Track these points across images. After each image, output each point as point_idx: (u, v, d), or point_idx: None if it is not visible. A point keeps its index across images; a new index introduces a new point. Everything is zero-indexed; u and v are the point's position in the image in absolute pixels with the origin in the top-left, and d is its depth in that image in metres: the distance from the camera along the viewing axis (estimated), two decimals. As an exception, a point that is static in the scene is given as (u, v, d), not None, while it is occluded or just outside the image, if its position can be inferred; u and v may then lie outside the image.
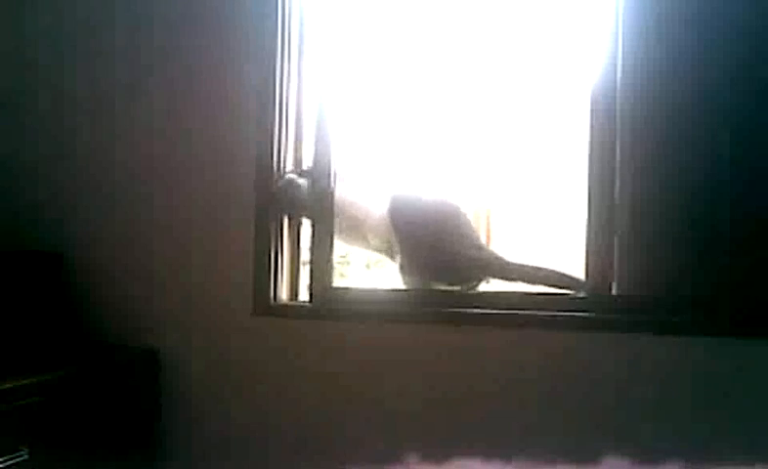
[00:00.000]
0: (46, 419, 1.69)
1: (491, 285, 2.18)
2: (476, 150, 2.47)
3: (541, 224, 2.45)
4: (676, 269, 1.85)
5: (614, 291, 1.89)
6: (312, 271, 2.09)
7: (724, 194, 1.83)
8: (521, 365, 1.88)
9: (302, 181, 2.08)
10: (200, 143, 2.11)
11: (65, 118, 2.23)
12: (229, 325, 2.08)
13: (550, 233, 2.40)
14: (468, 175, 2.53)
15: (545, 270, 2.01)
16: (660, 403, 1.77)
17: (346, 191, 2.11)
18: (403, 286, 2.07)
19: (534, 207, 2.47)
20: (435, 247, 2.04)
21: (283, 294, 2.10)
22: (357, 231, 2.11)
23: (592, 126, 1.92)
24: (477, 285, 2.06)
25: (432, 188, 2.24)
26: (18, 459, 1.57)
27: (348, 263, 2.44)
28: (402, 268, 2.06)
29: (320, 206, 2.07)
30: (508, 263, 2.06)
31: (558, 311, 1.89)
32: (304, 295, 2.13)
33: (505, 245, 2.28)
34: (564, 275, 2.00)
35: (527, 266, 2.05)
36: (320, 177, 2.07)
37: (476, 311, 1.94)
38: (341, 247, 2.22)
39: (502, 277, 2.07)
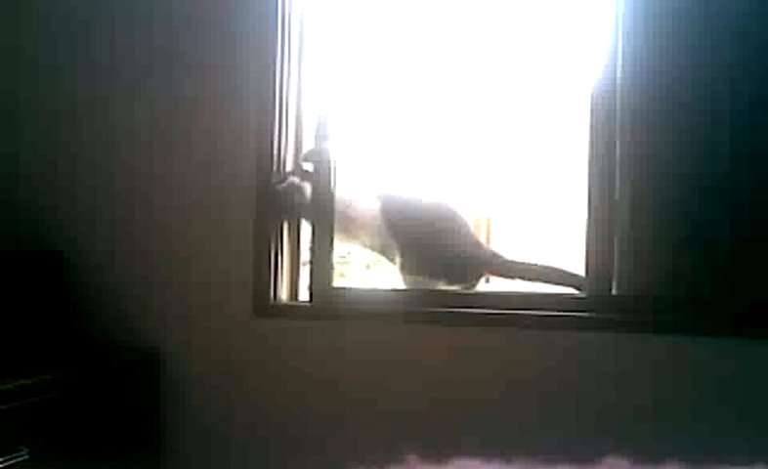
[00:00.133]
0: (46, 419, 1.69)
1: (492, 285, 2.18)
2: (476, 151, 2.47)
3: (541, 224, 2.45)
4: (676, 269, 1.85)
5: (614, 291, 1.89)
6: (312, 271, 2.09)
7: (724, 194, 1.83)
8: (521, 365, 1.88)
9: (305, 184, 2.06)
10: (200, 143, 2.11)
11: (65, 118, 2.23)
12: (229, 325, 2.08)
13: (550, 233, 2.40)
14: (468, 176, 2.53)
15: (544, 267, 2.02)
16: (660, 402, 1.78)
17: (340, 191, 2.11)
18: (403, 286, 2.07)
19: (534, 208, 2.47)
20: (433, 246, 2.05)
21: (283, 294, 2.10)
22: (348, 230, 2.11)
23: (592, 126, 1.92)
24: (477, 283, 2.06)
25: (424, 188, 2.25)
26: (18, 459, 1.57)
27: (348, 263, 2.44)
28: (402, 268, 2.06)
29: (320, 206, 2.07)
30: (507, 260, 2.06)
31: (558, 311, 1.89)
32: (304, 295, 2.13)
33: (505, 246, 2.28)
34: (564, 271, 2.00)
35: (526, 263, 2.06)
36: (320, 177, 2.07)
37: (476, 311, 1.94)
38: (341, 247, 2.23)
39: (502, 275, 2.08)
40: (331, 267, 2.08)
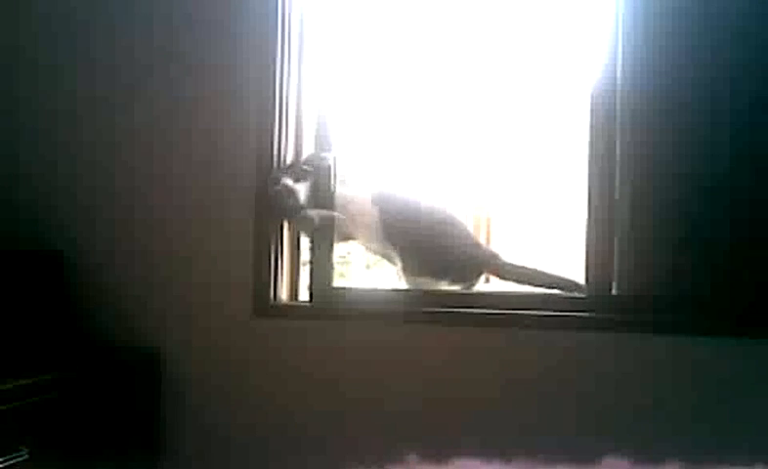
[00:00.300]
0: (46, 419, 1.69)
1: (491, 285, 2.19)
2: (475, 152, 2.47)
3: (541, 224, 2.45)
4: (676, 269, 1.85)
5: (614, 291, 1.90)
6: (312, 271, 2.09)
7: (724, 194, 1.83)
8: (521, 365, 1.88)
9: (299, 186, 2.03)
10: (200, 143, 2.11)
11: (65, 118, 2.22)
12: (229, 325, 2.08)
13: (550, 233, 2.40)
14: (468, 176, 2.53)
15: (542, 272, 2.02)
16: (659, 402, 1.78)
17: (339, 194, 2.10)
18: (403, 286, 2.07)
19: (534, 208, 2.47)
20: (433, 247, 2.05)
21: (283, 294, 2.10)
22: (347, 234, 2.11)
23: (592, 126, 1.92)
24: (476, 282, 2.07)
25: (422, 190, 2.25)
26: (18, 459, 1.57)
27: (348, 263, 2.44)
28: (404, 270, 2.06)
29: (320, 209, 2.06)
30: (506, 262, 2.07)
31: (558, 311, 1.89)
32: (304, 295, 2.13)
33: (505, 247, 2.28)
34: (561, 278, 2.00)
35: (524, 267, 2.06)
36: (320, 181, 2.07)
37: (476, 311, 1.94)
38: (341, 247, 2.22)
39: (500, 276, 2.09)
40: (331, 267, 2.08)
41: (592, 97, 1.92)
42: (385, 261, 2.17)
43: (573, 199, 2.07)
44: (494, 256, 2.08)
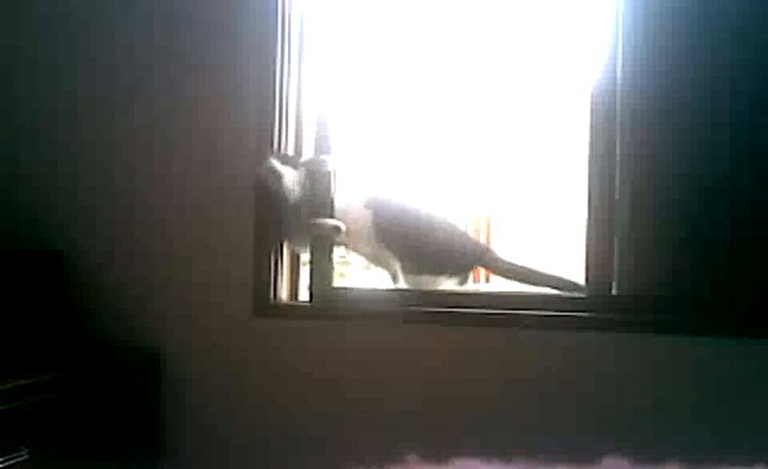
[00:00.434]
0: (46, 419, 1.69)
1: (492, 285, 2.19)
2: (476, 151, 2.47)
3: (541, 224, 2.45)
4: (676, 269, 1.85)
5: (614, 291, 1.89)
6: (312, 271, 2.09)
7: (724, 194, 1.83)
8: (521, 365, 1.88)
9: (287, 170, 2.00)
10: (200, 143, 2.11)
11: (65, 118, 2.22)
12: (229, 325, 2.08)
13: (550, 233, 2.40)
14: (468, 176, 2.53)
15: (536, 271, 2.03)
16: (659, 402, 1.78)
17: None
18: (402, 287, 2.07)
19: (534, 208, 2.47)
20: (428, 244, 2.06)
21: (283, 294, 2.10)
22: (342, 239, 2.10)
23: (592, 126, 1.92)
24: (470, 275, 2.09)
25: (414, 192, 2.25)
26: (18, 459, 1.57)
27: (348, 263, 2.44)
28: (403, 270, 2.06)
29: (319, 213, 2.06)
30: (499, 257, 2.10)
31: (558, 311, 1.89)
32: (304, 295, 2.13)
33: (505, 247, 2.28)
34: (556, 276, 2.01)
35: (518, 264, 2.08)
36: (319, 185, 2.06)
37: (476, 311, 1.94)
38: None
39: (493, 270, 2.13)
40: (331, 267, 2.08)
41: (592, 96, 1.92)
42: (378, 266, 2.16)
43: (573, 199, 2.07)
44: (488, 250, 2.12)
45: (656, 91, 1.88)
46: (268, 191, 2.00)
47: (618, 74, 1.90)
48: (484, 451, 1.13)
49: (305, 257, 2.16)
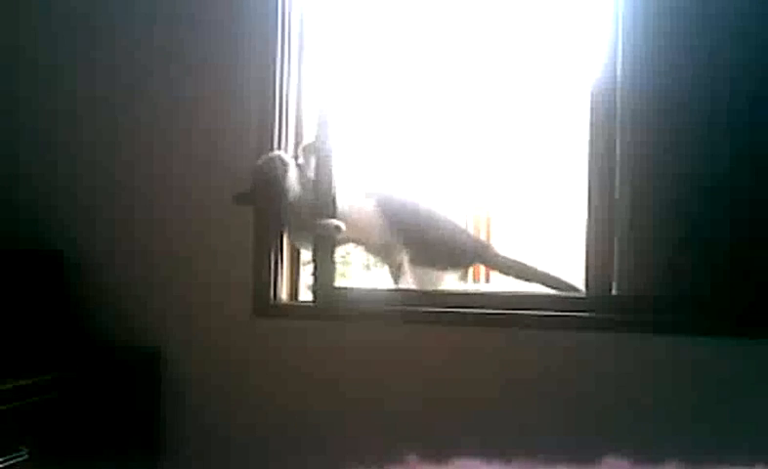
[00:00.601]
0: (46, 419, 1.69)
1: (492, 285, 2.19)
2: (476, 150, 2.48)
3: (541, 224, 2.45)
4: (676, 269, 1.85)
5: (614, 291, 1.89)
6: (315, 271, 2.08)
7: (724, 194, 1.83)
8: (521, 365, 1.88)
9: (290, 164, 2.00)
10: (200, 143, 2.11)
11: (65, 118, 2.22)
12: (229, 325, 2.08)
13: (550, 232, 2.40)
14: (468, 175, 2.53)
15: (533, 268, 2.05)
16: (659, 402, 1.78)
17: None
18: (408, 282, 2.07)
19: (534, 207, 2.47)
20: (434, 237, 2.08)
21: (283, 294, 2.10)
22: (347, 233, 2.10)
23: (592, 125, 1.92)
24: (469, 268, 2.15)
25: (407, 186, 2.27)
26: (18, 459, 1.57)
27: (348, 263, 2.44)
28: (411, 262, 2.06)
29: (320, 205, 2.06)
30: (497, 253, 2.13)
31: (558, 311, 1.89)
32: (304, 295, 2.13)
33: (505, 246, 2.28)
34: (550, 275, 2.02)
35: (516, 260, 2.10)
36: (320, 175, 2.06)
37: (476, 311, 1.93)
38: (340, 248, 2.22)
39: (491, 265, 2.18)
40: (333, 267, 2.08)
41: (592, 95, 1.92)
42: (381, 261, 2.16)
43: (573, 199, 2.08)
44: (488, 247, 2.18)
45: (656, 90, 1.88)
46: (269, 182, 1.98)
47: (618, 74, 1.90)
48: (484, 451, 1.12)
49: (305, 257, 2.16)
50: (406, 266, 2.07)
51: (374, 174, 2.29)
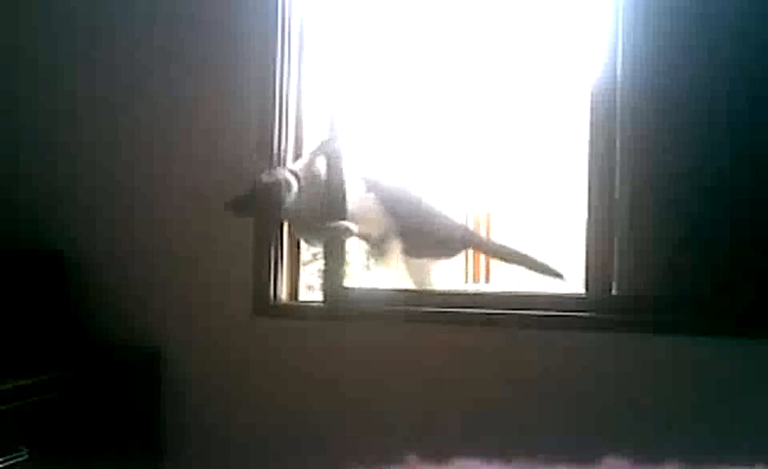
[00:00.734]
0: (46, 419, 1.69)
1: (492, 286, 2.19)
2: (476, 149, 2.47)
3: (541, 224, 2.45)
4: (676, 269, 1.85)
5: (614, 291, 1.89)
6: (325, 270, 2.08)
7: (724, 194, 1.83)
8: (521, 365, 1.88)
9: (291, 180, 1.98)
10: (200, 143, 2.11)
11: (65, 118, 2.23)
12: (229, 325, 2.08)
13: (550, 232, 2.40)
14: (468, 174, 2.53)
15: (522, 253, 2.06)
16: (659, 402, 1.77)
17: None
18: (402, 274, 2.08)
19: (534, 207, 2.46)
20: (427, 225, 2.09)
21: (283, 294, 2.10)
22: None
23: (592, 125, 1.92)
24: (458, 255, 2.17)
25: (400, 176, 2.25)
26: (18, 459, 1.57)
27: (348, 263, 2.44)
28: (405, 252, 2.06)
29: (331, 201, 2.05)
30: (487, 238, 2.20)
31: (558, 311, 1.89)
32: (304, 295, 2.13)
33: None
34: (537, 261, 2.04)
35: (505, 245, 2.15)
36: (331, 172, 2.05)
37: (476, 311, 1.93)
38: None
39: (482, 250, 2.24)
40: (343, 266, 2.07)
41: (592, 95, 1.92)
42: (377, 252, 2.16)
43: (572, 199, 2.07)
44: (472, 231, 2.23)
45: (656, 90, 1.88)
46: (270, 201, 1.96)
47: (618, 73, 1.89)
48: (484, 451, 1.12)
49: (305, 257, 2.16)
50: (400, 257, 2.07)
51: (374, 167, 2.27)
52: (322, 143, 2.08)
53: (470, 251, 2.35)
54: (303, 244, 2.16)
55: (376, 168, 2.21)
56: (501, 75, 2.34)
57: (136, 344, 2.10)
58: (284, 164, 2.08)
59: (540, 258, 2.05)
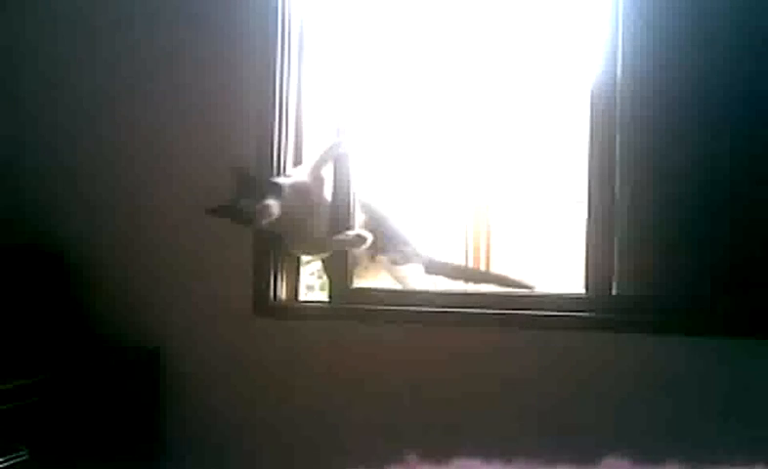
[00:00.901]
0: (46, 419, 1.69)
1: (491, 286, 2.18)
2: (475, 150, 2.48)
3: (541, 224, 2.45)
4: (676, 269, 1.85)
5: (614, 291, 1.89)
6: (329, 271, 2.08)
7: (724, 194, 1.83)
8: (521, 365, 1.88)
9: (274, 202, 1.89)
10: (201, 142, 2.11)
11: (66, 118, 2.23)
12: (229, 325, 2.08)
13: (550, 232, 2.40)
14: (468, 174, 2.53)
15: (467, 268, 2.06)
16: (659, 402, 1.77)
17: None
18: (402, 287, 2.07)
19: (534, 206, 2.47)
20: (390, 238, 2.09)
21: (283, 294, 2.10)
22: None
23: (592, 124, 1.92)
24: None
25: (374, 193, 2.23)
26: (18, 459, 1.57)
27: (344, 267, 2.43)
28: (403, 254, 2.06)
29: (337, 205, 2.05)
30: (430, 257, 2.15)
31: (558, 311, 1.89)
32: (303, 295, 2.13)
33: (505, 245, 2.28)
34: (505, 277, 2.07)
35: (450, 263, 2.17)
36: (339, 174, 2.05)
37: (476, 311, 1.93)
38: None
39: (426, 268, 2.15)
40: (345, 266, 2.06)
41: (592, 94, 1.92)
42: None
43: (572, 199, 2.08)
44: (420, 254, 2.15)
45: (656, 90, 1.87)
46: (247, 224, 1.92)
47: (618, 73, 1.89)
48: (484, 451, 1.12)
49: (305, 257, 2.16)
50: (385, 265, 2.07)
51: (365, 177, 2.26)
52: (330, 147, 2.03)
53: (470, 251, 2.35)
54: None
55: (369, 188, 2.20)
56: (502, 75, 2.35)
57: (137, 343, 2.10)
58: (284, 168, 2.07)
59: (500, 272, 2.05)
